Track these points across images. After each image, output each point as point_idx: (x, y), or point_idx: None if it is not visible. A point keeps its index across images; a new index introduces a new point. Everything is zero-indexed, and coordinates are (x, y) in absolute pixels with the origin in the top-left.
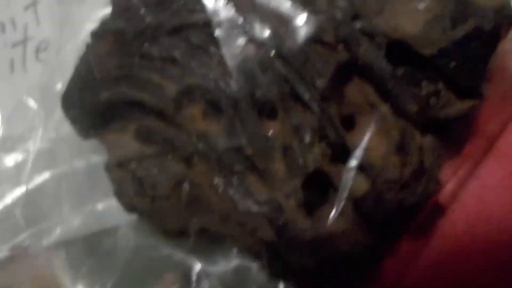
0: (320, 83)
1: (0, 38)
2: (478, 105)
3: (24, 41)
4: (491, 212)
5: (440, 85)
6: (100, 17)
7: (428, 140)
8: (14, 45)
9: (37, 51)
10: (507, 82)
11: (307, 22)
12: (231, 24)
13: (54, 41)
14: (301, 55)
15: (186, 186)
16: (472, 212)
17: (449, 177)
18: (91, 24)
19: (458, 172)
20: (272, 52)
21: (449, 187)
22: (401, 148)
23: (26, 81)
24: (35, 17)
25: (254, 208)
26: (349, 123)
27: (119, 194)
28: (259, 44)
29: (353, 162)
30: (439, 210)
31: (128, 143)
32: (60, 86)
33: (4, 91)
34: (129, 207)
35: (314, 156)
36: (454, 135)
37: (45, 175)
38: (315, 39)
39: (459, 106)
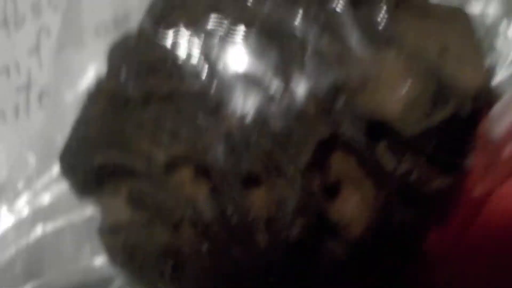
0: (302, 159)
1: (6, 82)
2: (459, 180)
3: (27, 86)
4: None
5: (421, 161)
6: (98, 70)
7: (411, 211)
8: (18, 89)
9: (40, 96)
10: (490, 152)
11: (290, 97)
12: (218, 96)
13: (55, 88)
14: (284, 131)
15: (170, 261)
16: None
17: (436, 243)
18: (90, 72)
19: (445, 238)
20: (257, 127)
21: (436, 253)
22: (381, 221)
23: (29, 128)
24: (39, 61)
25: None
26: (335, 190)
27: (111, 260)
28: (243, 117)
29: (333, 233)
30: None
31: (120, 208)
32: (59, 138)
33: (9, 137)
34: (121, 272)
35: (296, 228)
36: (440, 203)
37: (45, 228)
38: (298, 115)
39: (439, 182)
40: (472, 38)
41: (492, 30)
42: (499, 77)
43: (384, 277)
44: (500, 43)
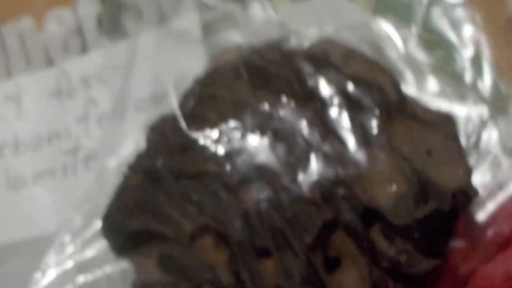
0: (307, 239)
1: (57, 145)
2: (442, 262)
3: (76, 150)
4: None
5: (409, 246)
6: (136, 141)
7: (400, 287)
8: (67, 152)
9: (86, 160)
10: (473, 235)
11: (298, 187)
12: (238, 178)
13: (99, 153)
14: (292, 212)
15: None
16: None
17: None
18: (129, 142)
19: None
20: (269, 209)
21: None
22: None
23: (76, 187)
24: (86, 129)
25: None
26: (335, 264)
27: None
28: (259, 199)
29: None
30: None
31: (151, 268)
32: (102, 199)
33: (58, 194)
34: None
35: None
36: (427, 281)
37: (86, 279)
38: (304, 199)
39: (424, 265)
40: (455, 141)
41: (477, 133)
42: (481, 175)
43: None
44: (483, 145)
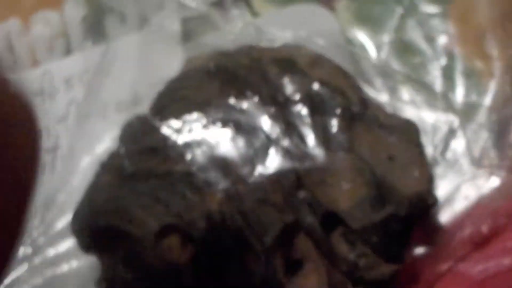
0: (266, 240)
1: None
2: (400, 269)
3: (54, 148)
4: None
5: (368, 250)
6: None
7: None
8: (47, 151)
9: (65, 158)
10: (436, 239)
11: (256, 182)
12: (201, 177)
13: (78, 152)
14: (254, 213)
15: None
16: None
17: None
18: (107, 142)
19: None
20: (231, 207)
21: None
22: None
23: (53, 183)
24: (66, 128)
25: None
26: (297, 266)
27: None
28: (221, 198)
29: None
30: None
31: (116, 266)
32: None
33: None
34: None
35: None
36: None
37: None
38: (265, 201)
39: (382, 270)
40: (417, 147)
41: (445, 142)
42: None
43: None
44: (450, 154)
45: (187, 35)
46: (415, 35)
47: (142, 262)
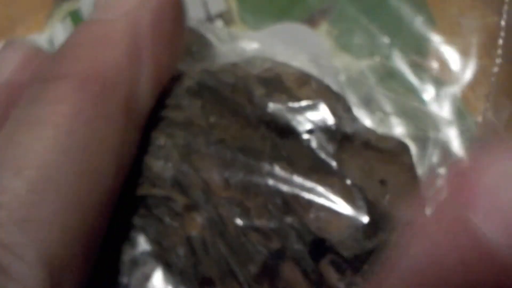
0: (252, 269)
1: None
2: None
3: None
4: None
5: (358, 279)
6: None
7: None
8: None
9: None
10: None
11: (244, 209)
12: (182, 202)
13: None
14: (238, 240)
15: None
16: None
17: None
18: None
19: None
20: (214, 234)
21: None
22: None
23: None
24: None
25: None
26: None
27: None
28: (204, 225)
29: None
30: None
31: None
32: None
33: None
34: None
35: None
36: None
37: None
38: (251, 227)
39: None
40: (411, 171)
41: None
42: None
43: None
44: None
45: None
46: (401, 65)
47: None
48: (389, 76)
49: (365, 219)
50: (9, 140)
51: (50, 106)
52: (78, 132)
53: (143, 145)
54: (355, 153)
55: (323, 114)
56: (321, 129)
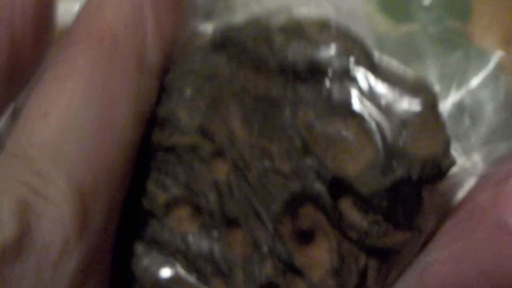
0: (274, 208)
1: None
2: (415, 238)
3: None
4: None
5: (379, 217)
6: None
7: (373, 262)
8: None
9: None
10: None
11: (267, 157)
12: (209, 149)
13: None
14: (261, 183)
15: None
16: None
17: None
18: None
19: None
20: (238, 178)
21: None
22: (339, 272)
23: None
24: None
25: None
26: (307, 237)
27: None
28: (230, 169)
29: (301, 275)
30: None
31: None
32: None
33: None
34: None
35: (266, 269)
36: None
37: None
38: (273, 170)
39: (395, 237)
40: (433, 109)
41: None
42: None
43: None
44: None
45: (208, 15)
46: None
47: (152, 235)
48: (432, 41)
49: (382, 156)
50: (36, 94)
51: (70, 63)
52: (97, 81)
53: (171, 98)
54: (374, 94)
55: (342, 58)
56: (340, 72)
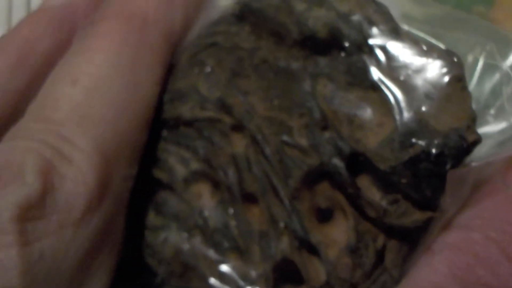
0: (291, 183)
1: None
2: (436, 217)
3: None
4: None
5: (398, 195)
6: None
7: (392, 242)
8: None
9: None
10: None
11: (286, 131)
12: (229, 123)
13: None
14: (279, 157)
15: (181, 257)
16: None
17: None
18: None
19: None
20: (256, 152)
21: None
22: (355, 251)
23: None
24: None
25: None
26: (326, 215)
27: None
28: (248, 144)
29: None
30: None
31: (146, 212)
32: None
33: None
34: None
35: (282, 245)
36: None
37: None
38: (291, 144)
39: (415, 217)
40: (460, 81)
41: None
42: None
43: None
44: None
45: None
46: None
47: (171, 209)
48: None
49: (401, 130)
50: (65, 62)
51: (100, 37)
52: (125, 55)
53: (192, 71)
54: (396, 65)
55: (364, 25)
56: (361, 43)
